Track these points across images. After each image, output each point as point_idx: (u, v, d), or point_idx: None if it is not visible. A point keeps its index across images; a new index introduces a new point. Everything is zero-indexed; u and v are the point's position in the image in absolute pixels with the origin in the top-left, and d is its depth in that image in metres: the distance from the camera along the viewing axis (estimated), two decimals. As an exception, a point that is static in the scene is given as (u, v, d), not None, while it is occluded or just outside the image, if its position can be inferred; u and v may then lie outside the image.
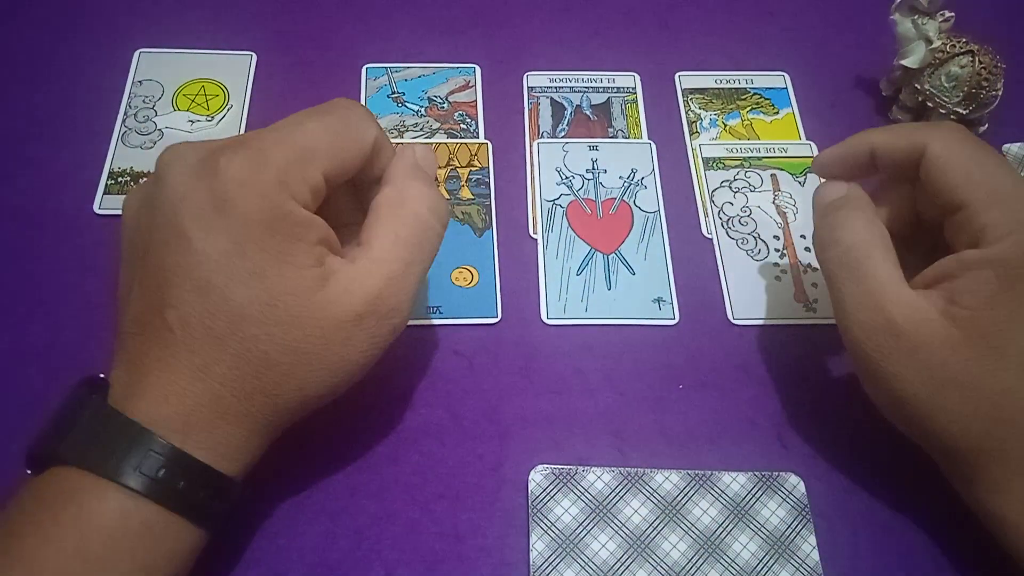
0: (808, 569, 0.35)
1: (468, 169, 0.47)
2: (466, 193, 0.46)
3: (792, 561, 0.35)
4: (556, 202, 0.46)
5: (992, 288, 0.31)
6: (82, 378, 0.31)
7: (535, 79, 0.51)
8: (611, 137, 0.49)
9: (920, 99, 0.48)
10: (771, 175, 0.48)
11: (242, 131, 0.48)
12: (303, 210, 0.30)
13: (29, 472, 0.29)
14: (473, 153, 0.47)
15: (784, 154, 0.49)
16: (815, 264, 0.44)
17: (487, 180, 0.46)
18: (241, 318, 0.29)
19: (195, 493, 0.29)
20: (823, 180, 0.38)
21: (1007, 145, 0.48)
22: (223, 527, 0.31)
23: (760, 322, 0.42)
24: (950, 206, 0.33)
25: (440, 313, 0.42)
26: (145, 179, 0.31)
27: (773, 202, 0.47)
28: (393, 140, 0.47)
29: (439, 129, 0.48)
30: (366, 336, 0.31)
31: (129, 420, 0.28)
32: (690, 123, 0.50)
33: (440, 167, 0.47)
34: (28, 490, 0.28)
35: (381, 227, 0.32)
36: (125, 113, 0.48)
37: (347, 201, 0.36)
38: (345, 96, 0.49)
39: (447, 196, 0.46)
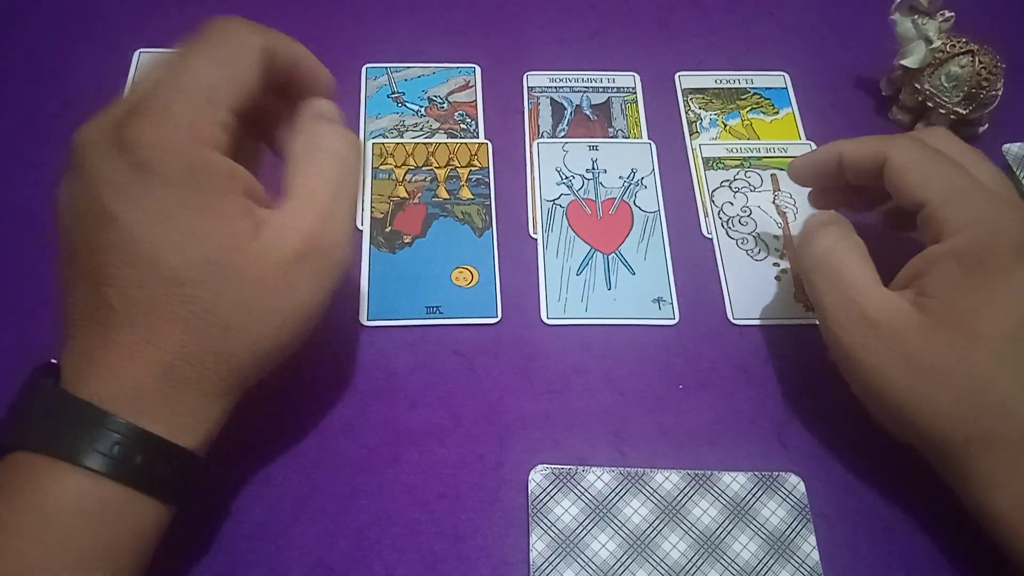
0: (808, 569, 0.35)
1: (468, 169, 0.47)
2: (466, 193, 0.46)
3: (792, 561, 0.35)
4: (556, 202, 0.46)
5: (956, 277, 0.33)
6: (35, 366, 0.31)
7: (535, 79, 0.51)
8: (611, 137, 0.49)
9: (920, 99, 0.48)
10: (771, 175, 0.48)
11: (242, 131, 0.48)
12: (223, 159, 0.30)
13: None
14: (473, 153, 0.47)
15: (784, 154, 0.49)
16: (815, 264, 0.44)
17: (487, 180, 0.46)
18: (179, 282, 0.29)
19: (153, 468, 0.28)
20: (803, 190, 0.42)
21: (1007, 145, 0.48)
22: (190, 504, 0.31)
23: (760, 322, 0.42)
24: (913, 205, 0.35)
25: (440, 313, 0.42)
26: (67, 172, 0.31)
27: (773, 202, 0.47)
28: (393, 140, 0.48)
29: (439, 129, 0.48)
30: (308, 278, 0.31)
31: (80, 400, 0.28)
32: (690, 123, 0.50)
33: (440, 167, 0.47)
34: None
35: (302, 170, 0.33)
36: (125, 113, 0.48)
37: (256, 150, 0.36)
38: (345, 96, 0.49)
39: (447, 196, 0.46)
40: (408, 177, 0.46)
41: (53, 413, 0.28)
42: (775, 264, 0.44)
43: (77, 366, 0.29)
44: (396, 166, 0.46)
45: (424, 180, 0.46)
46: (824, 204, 0.42)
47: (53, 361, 0.30)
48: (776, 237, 0.45)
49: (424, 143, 0.48)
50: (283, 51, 0.34)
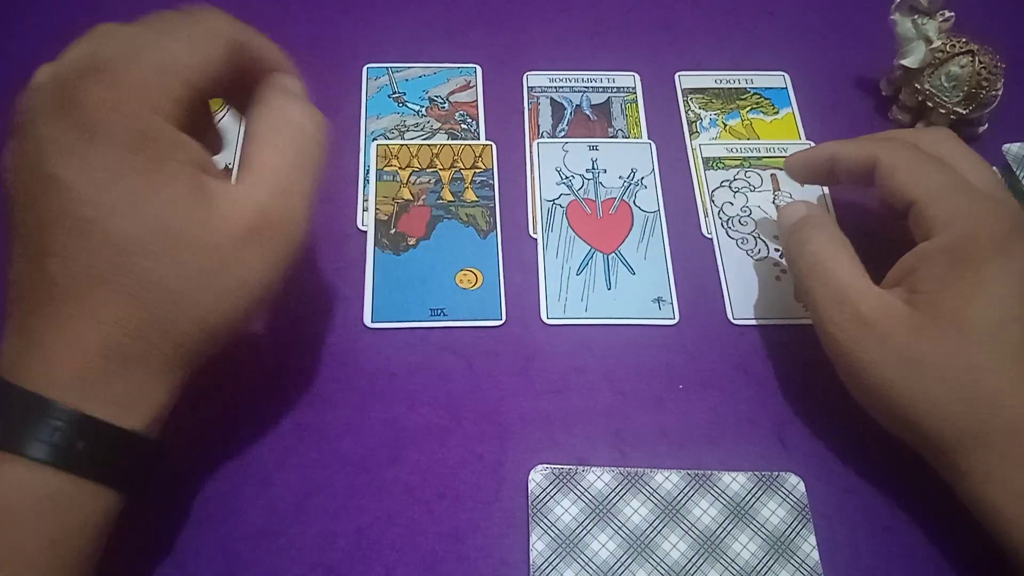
0: (808, 569, 0.35)
1: (472, 171, 0.47)
2: (470, 195, 0.46)
3: (792, 561, 0.35)
4: (556, 202, 0.46)
5: (943, 271, 0.33)
6: None
7: (535, 79, 0.51)
8: (611, 137, 0.49)
9: (920, 99, 0.48)
10: (771, 175, 0.48)
11: (241, 131, 0.47)
12: (173, 129, 0.29)
13: None
14: (477, 155, 0.47)
15: (784, 154, 0.49)
16: (815, 264, 0.44)
17: (491, 182, 0.46)
18: (126, 251, 0.27)
19: (98, 453, 0.27)
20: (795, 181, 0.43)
21: (1007, 145, 0.48)
22: (142, 490, 0.29)
23: (760, 322, 0.42)
24: (902, 204, 0.36)
25: (444, 315, 0.42)
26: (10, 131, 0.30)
27: (773, 202, 0.47)
28: (394, 140, 0.48)
29: (440, 129, 0.48)
30: (260, 253, 0.30)
31: (15, 387, 0.27)
32: (690, 123, 0.50)
33: (444, 169, 0.47)
34: None
35: (260, 142, 0.31)
36: (125, 113, 0.48)
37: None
38: (345, 96, 0.49)
39: (451, 198, 0.46)
40: (412, 179, 0.46)
41: None
42: (775, 264, 0.44)
43: (17, 348, 0.28)
44: (400, 168, 0.46)
45: (428, 182, 0.46)
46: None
47: None
48: (776, 237, 0.45)
49: (428, 145, 0.48)
50: (255, 48, 0.33)
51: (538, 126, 0.49)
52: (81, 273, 0.27)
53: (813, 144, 0.49)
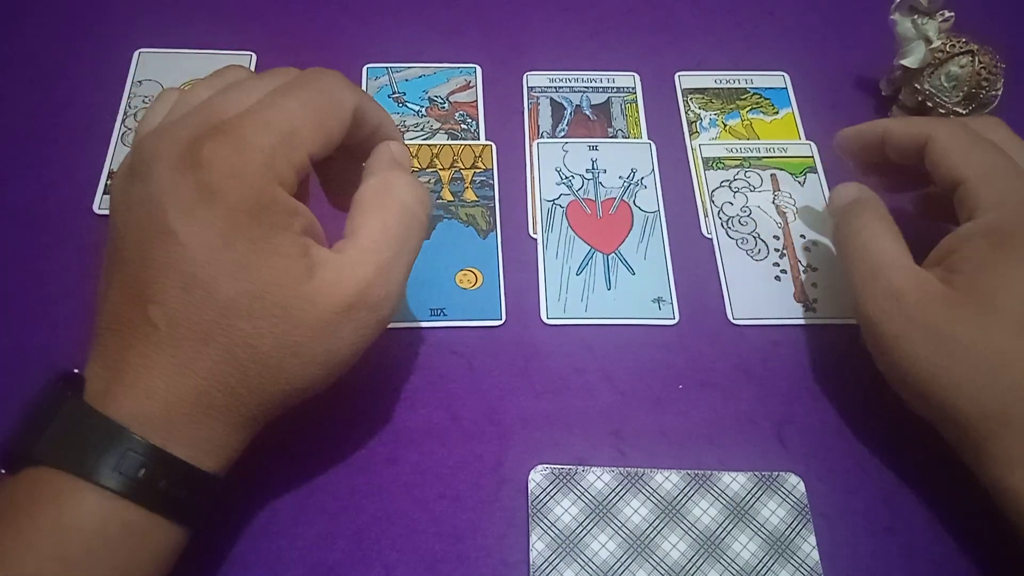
0: (808, 569, 0.35)
1: (472, 171, 0.47)
2: (470, 195, 0.46)
3: (792, 561, 0.35)
4: (556, 202, 0.46)
5: (984, 253, 0.33)
6: (55, 374, 0.30)
7: (535, 79, 0.51)
8: (611, 137, 0.49)
9: (920, 99, 0.48)
10: (771, 175, 0.48)
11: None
12: (289, 197, 0.30)
13: (3, 471, 0.28)
14: (477, 155, 0.47)
15: (784, 154, 0.49)
16: (815, 264, 0.44)
17: (491, 182, 0.46)
18: (229, 312, 0.28)
19: (177, 492, 0.28)
20: (840, 155, 0.43)
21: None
22: (206, 524, 0.30)
23: (760, 322, 0.42)
24: (951, 183, 0.36)
25: (444, 315, 0.42)
26: (125, 168, 0.31)
27: (773, 202, 0.47)
28: (393, 140, 0.48)
29: (440, 129, 0.48)
30: (354, 328, 0.30)
31: (107, 418, 0.27)
32: (690, 123, 0.50)
33: (444, 168, 0.47)
34: (1, 491, 0.28)
35: (367, 217, 0.32)
36: (125, 113, 0.48)
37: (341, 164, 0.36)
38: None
39: (451, 198, 0.46)
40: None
41: (77, 430, 0.27)
42: (775, 264, 0.44)
43: (105, 380, 0.28)
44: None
45: (428, 182, 0.46)
46: (863, 180, 0.43)
47: (75, 371, 0.30)
48: (776, 237, 0.45)
49: (428, 145, 0.48)
50: (371, 116, 0.34)
51: (538, 126, 0.49)
52: (183, 326, 0.28)
53: (813, 144, 0.49)
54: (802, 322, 0.42)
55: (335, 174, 0.36)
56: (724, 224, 0.46)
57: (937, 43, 0.46)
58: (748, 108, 0.51)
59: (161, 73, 0.50)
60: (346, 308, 0.30)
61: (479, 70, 0.51)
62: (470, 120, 0.49)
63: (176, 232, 0.28)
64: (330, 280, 0.30)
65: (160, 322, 0.28)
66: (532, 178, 0.47)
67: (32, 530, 0.26)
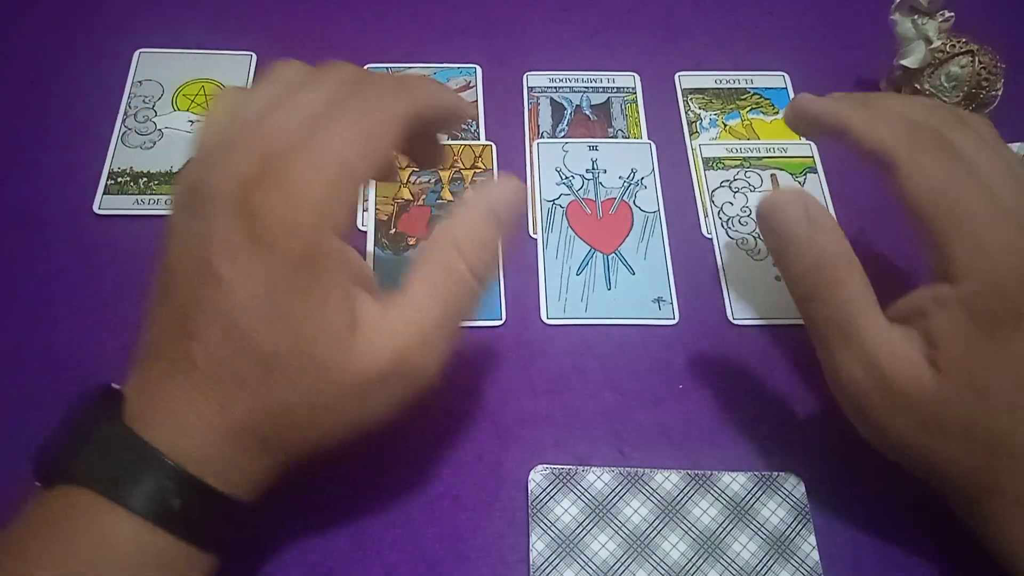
0: (808, 569, 0.35)
1: (472, 171, 0.47)
2: (468, 194, 0.46)
3: (792, 561, 0.35)
4: (556, 202, 0.46)
5: (967, 331, 0.30)
6: (94, 388, 0.29)
7: (535, 79, 0.51)
8: (611, 137, 0.49)
9: (920, 99, 0.48)
10: (771, 175, 0.48)
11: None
12: (341, 245, 0.29)
13: (38, 484, 0.28)
14: (477, 155, 0.47)
15: (784, 154, 0.49)
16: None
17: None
18: (268, 364, 0.28)
19: (211, 523, 0.28)
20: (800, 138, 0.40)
21: (1007, 145, 0.48)
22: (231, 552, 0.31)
23: (760, 322, 0.42)
24: (918, 227, 0.32)
25: (440, 313, 0.42)
26: (183, 195, 0.30)
27: (773, 202, 0.47)
28: (393, 140, 0.48)
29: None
30: (389, 393, 0.30)
31: (146, 444, 0.27)
32: (690, 123, 0.50)
33: (444, 168, 0.47)
34: (36, 508, 0.28)
35: (421, 279, 0.31)
36: (125, 113, 0.48)
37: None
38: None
39: (451, 198, 0.46)
40: (412, 179, 0.46)
41: (117, 453, 0.27)
42: (775, 264, 0.44)
43: (145, 404, 0.28)
44: (400, 167, 0.46)
45: (428, 182, 0.46)
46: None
47: (115, 387, 0.29)
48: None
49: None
50: (431, 111, 0.32)
51: (538, 126, 0.49)
52: (221, 369, 0.28)
53: (813, 145, 0.49)
54: (802, 322, 0.42)
55: (410, 146, 0.35)
56: (724, 224, 0.46)
57: (937, 43, 0.46)
58: (748, 108, 0.51)
59: (161, 73, 0.50)
60: (382, 374, 0.29)
61: (479, 70, 0.51)
62: (470, 120, 0.49)
63: (222, 277, 0.28)
64: (370, 341, 0.29)
65: (199, 361, 0.28)
66: (532, 178, 0.47)
67: (68, 552, 0.26)
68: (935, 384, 0.31)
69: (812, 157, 0.48)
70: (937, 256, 0.32)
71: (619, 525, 0.36)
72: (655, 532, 0.36)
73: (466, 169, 0.47)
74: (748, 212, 0.46)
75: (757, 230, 0.46)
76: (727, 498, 0.36)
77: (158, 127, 0.47)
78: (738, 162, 0.48)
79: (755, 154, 0.49)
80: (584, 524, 0.36)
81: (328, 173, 0.29)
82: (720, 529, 0.36)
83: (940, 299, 0.31)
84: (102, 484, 0.27)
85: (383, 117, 0.31)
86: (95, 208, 0.44)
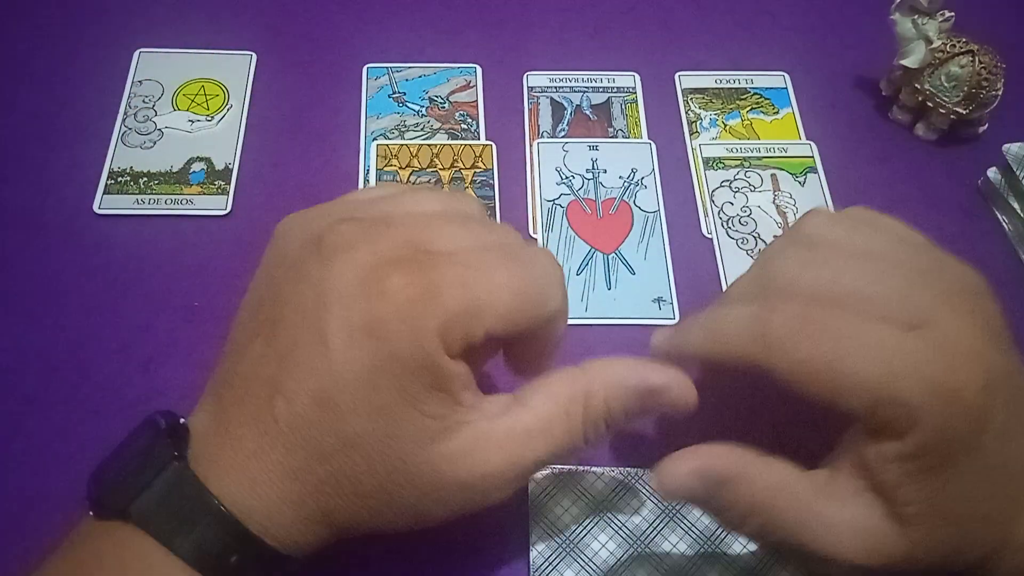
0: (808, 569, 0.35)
1: (473, 171, 0.47)
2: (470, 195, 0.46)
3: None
4: (556, 202, 0.46)
5: (922, 480, 0.28)
6: (162, 421, 0.29)
7: (535, 79, 0.51)
8: (611, 137, 0.49)
9: (920, 99, 0.48)
10: (771, 175, 0.48)
11: (242, 131, 0.48)
12: (449, 362, 0.27)
13: (91, 514, 0.28)
14: (478, 155, 0.47)
15: (784, 154, 0.49)
16: (815, 264, 0.44)
17: (491, 182, 0.46)
18: (351, 444, 0.27)
19: None
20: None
21: (1007, 145, 0.48)
22: None
23: (760, 322, 0.42)
24: (836, 412, 0.29)
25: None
26: (317, 234, 0.29)
27: (773, 202, 0.47)
28: (394, 140, 0.48)
29: (440, 129, 0.48)
30: (459, 504, 0.29)
31: (211, 495, 0.27)
32: (690, 123, 0.50)
33: (444, 168, 0.47)
34: (88, 541, 0.27)
35: (541, 403, 0.30)
36: (125, 113, 0.48)
37: None
38: (346, 96, 0.49)
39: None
40: (412, 179, 0.46)
41: (180, 500, 0.27)
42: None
43: (214, 449, 0.28)
44: (400, 168, 0.47)
45: (428, 182, 0.46)
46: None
47: (181, 420, 0.29)
48: (776, 237, 0.45)
49: (428, 145, 0.48)
50: (559, 323, 0.31)
51: (538, 126, 0.49)
52: (302, 435, 0.27)
53: (813, 144, 0.49)
54: (802, 322, 0.42)
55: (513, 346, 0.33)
56: (724, 224, 0.46)
57: (937, 43, 0.46)
58: (748, 108, 0.51)
59: (161, 73, 0.50)
60: (460, 486, 0.29)
61: (479, 70, 0.51)
62: (470, 120, 0.49)
63: (330, 346, 0.27)
64: (460, 451, 0.28)
65: (282, 419, 0.27)
66: (532, 178, 0.47)
67: None
68: (906, 544, 0.29)
69: (812, 157, 0.49)
70: (869, 424, 0.29)
71: (619, 525, 0.36)
72: (655, 532, 0.36)
73: (466, 169, 0.47)
74: (748, 212, 0.46)
75: (757, 230, 0.46)
76: (727, 498, 0.36)
77: (158, 127, 0.47)
78: (738, 162, 0.48)
79: (755, 154, 0.49)
80: (584, 524, 0.36)
81: (469, 297, 0.27)
82: (720, 529, 0.36)
83: (886, 455, 0.29)
84: (160, 530, 0.26)
85: (540, 295, 0.29)
86: (95, 208, 0.44)
